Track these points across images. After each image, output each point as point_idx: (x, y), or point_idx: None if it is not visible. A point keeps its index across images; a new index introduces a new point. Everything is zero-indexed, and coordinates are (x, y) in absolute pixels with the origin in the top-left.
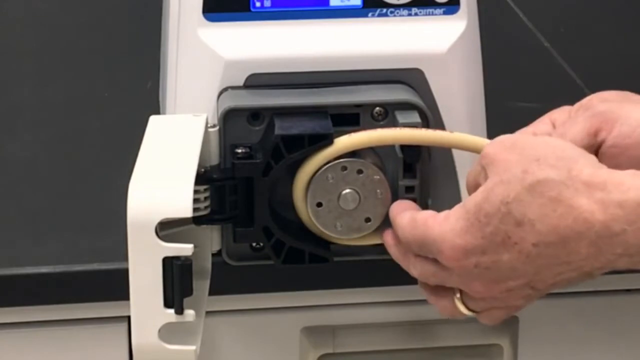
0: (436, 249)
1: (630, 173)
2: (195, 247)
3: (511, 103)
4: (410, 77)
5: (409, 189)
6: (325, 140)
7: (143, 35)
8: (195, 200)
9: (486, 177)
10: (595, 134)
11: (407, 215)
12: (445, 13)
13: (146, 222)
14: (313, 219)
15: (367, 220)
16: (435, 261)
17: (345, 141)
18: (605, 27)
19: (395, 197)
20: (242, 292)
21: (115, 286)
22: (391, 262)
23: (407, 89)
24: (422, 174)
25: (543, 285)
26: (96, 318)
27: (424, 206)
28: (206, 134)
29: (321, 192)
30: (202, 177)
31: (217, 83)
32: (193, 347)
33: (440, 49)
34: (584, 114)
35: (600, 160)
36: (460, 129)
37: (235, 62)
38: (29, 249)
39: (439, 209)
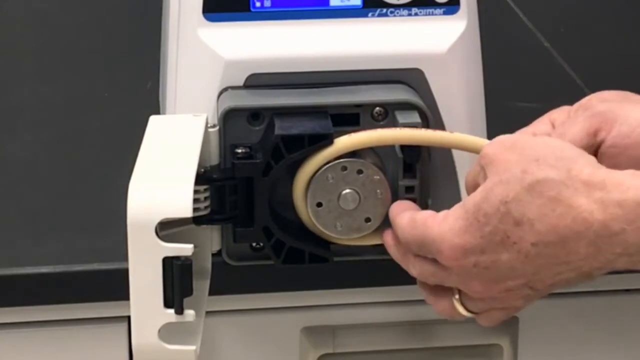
0: (435, 248)
1: (629, 173)
2: (195, 247)
3: (511, 103)
4: (410, 77)
5: (409, 189)
6: (325, 140)
7: (143, 35)
8: (195, 200)
9: (485, 177)
10: (595, 134)
11: (406, 215)
12: (445, 13)
13: (146, 222)
14: (313, 219)
15: (367, 220)
16: (434, 261)
17: (345, 141)
18: (605, 27)
19: (395, 197)
20: (242, 292)
21: (115, 286)
22: (391, 262)
23: (407, 89)
24: (422, 174)
25: (542, 285)
26: (96, 318)
27: (424, 206)
28: (206, 134)
29: (321, 192)
30: (202, 177)
31: (217, 83)
32: (193, 347)
33: (440, 49)
34: (583, 114)
35: (600, 160)
36: (460, 129)
37: (235, 62)
38: (29, 249)
39: (439, 209)
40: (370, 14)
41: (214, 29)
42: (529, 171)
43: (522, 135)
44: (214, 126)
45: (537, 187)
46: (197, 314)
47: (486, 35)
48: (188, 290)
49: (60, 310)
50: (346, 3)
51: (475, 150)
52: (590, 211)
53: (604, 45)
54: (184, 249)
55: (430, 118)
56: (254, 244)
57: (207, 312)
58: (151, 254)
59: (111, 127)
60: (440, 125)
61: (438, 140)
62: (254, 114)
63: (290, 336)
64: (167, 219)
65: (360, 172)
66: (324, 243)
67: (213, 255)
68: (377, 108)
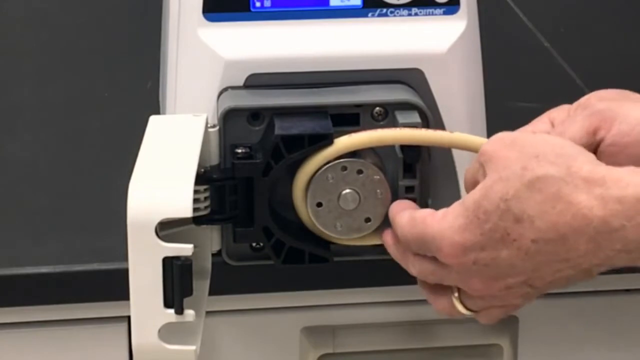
0: (435, 246)
1: (629, 170)
2: (195, 247)
3: (511, 103)
4: (410, 77)
5: (409, 189)
6: (325, 140)
7: (143, 35)
8: (195, 200)
9: (485, 175)
10: (594, 132)
11: (406, 214)
12: (445, 13)
13: (146, 222)
14: (313, 219)
15: (367, 220)
16: (434, 259)
17: (345, 141)
18: (605, 27)
19: (395, 197)
20: (242, 292)
21: (115, 286)
22: (391, 262)
23: (407, 89)
24: (422, 174)
25: (541, 283)
26: (96, 318)
27: (424, 206)
28: (206, 134)
29: (321, 192)
30: (202, 177)
31: (217, 83)
32: (193, 347)
33: (440, 49)
34: (583, 112)
35: (599, 159)
36: (460, 129)
37: (235, 62)
38: (29, 249)
39: (438, 208)
40: (370, 14)
41: (214, 29)
42: (529, 168)
43: (522, 133)
44: (214, 126)
45: (537, 184)
46: (197, 314)
47: (486, 35)
48: (188, 290)
49: (60, 310)
50: (346, 3)
51: (475, 150)
52: (590, 207)
53: (604, 45)
54: (184, 249)
55: (430, 118)
56: (254, 244)
57: (207, 312)
58: (151, 254)
59: (111, 127)
60: (440, 125)
61: (438, 140)
62: (254, 114)
63: (290, 336)
64: (167, 219)
65: (360, 172)
66: (324, 243)
67: (213, 255)
68: (377, 108)
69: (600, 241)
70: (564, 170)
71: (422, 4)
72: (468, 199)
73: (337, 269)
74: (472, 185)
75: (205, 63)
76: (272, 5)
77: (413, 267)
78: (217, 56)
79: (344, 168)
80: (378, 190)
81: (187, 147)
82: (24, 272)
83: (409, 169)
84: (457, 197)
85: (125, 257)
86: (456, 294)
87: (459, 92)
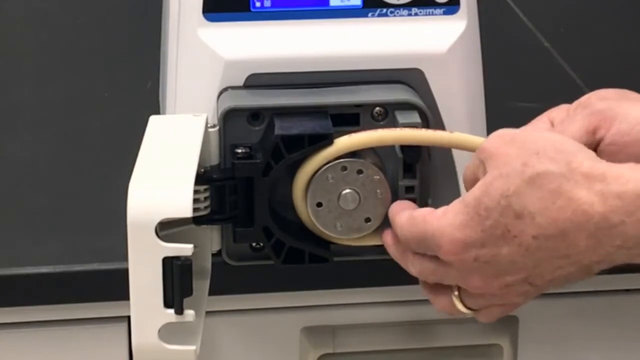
0: (435, 244)
1: (629, 166)
2: (195, 247)
3: (511, 103)
4: (410, 77)
5: (409, 189)
6: (325, 140)
7: (143, 35)
8: (195, 200)
9: (485, 171)
10: (594, 131)
11: (405, 213)
12: (445, 13)
13: (146, 222)
14: (313, 219)
15: (367, 220)
16: (434, 258)
17: (345, 141)
18: (605, 27)
19: (395, 197)
20: (242, 292)
21: (115, 286)
22: (391, 262)
23: (407, 89)
24: (422, 174)
25: (541, 280)
26: (96, 318)
27: (424, 206)
28: (206, 134)
29: (321, 192)
30: (202, 177)
31: (217, 83)
32: (193, 347)
33: (440, 49)
34: (583, 112)
35: None
36: (460, 129)
37: (235, 62)
38: (29, 249)
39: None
40: (370, 14)
41: (214, 29)
42: (530, 164)
43: (521, 130)
44: (214, 126)
45: (537, 180)
46: (197, 314)
47: (486, 35)
48: (188, 290)
49: (60, 310)
50: (346, 3)
51: (475, 150)
52: (591, 203)
53: (604, 45)
54: (184, 249)
55: (430, 118)
56: (254, 244)
57: (207, 312)
58: (151, 254)
59: (111, 127)
60: (440, 125)
61: (438, 140)
62: (254, 114)
63: (290, 336)
64: (167, 219)
65: (360, 172)
66: (324, 243)
67: (213, 255)
68: (377, 108)
69: (600, 237)
70: (564, 166)
71: (422, 4)
72: (468, 196)
73: (337, 269)
74: (471, 182)
75: (205, 63)
76: (272, 5)
77: (413, 266)
78: (217, 56)
79: (344, 168)
80: (378, 190)
81: (187, 147)
82: (24, 272)
83: (409, 169)
84: (457, 197)
85: (125, 257)
86: (456, 293)
87: (459, 92)
